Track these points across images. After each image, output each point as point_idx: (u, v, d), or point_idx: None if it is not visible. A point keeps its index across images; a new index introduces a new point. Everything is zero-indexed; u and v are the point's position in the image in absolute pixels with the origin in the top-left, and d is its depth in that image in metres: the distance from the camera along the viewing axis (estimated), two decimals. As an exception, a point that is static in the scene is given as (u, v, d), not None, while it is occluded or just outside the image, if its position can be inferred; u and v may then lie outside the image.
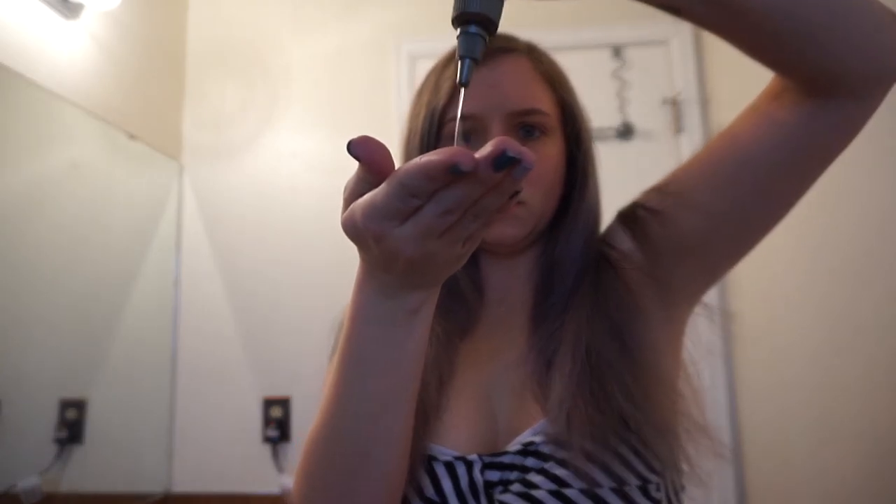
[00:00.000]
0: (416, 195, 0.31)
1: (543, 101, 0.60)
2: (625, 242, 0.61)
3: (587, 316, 0.57)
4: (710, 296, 0.60)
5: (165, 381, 1.77)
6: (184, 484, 1.74)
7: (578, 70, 1.93)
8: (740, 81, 1.63)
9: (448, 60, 0.63)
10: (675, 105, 1.79)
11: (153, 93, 1.81)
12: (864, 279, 1.04)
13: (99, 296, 1.56)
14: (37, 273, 1.36)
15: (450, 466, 0.53)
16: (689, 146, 1.78)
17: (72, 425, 1.41)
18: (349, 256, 0.46)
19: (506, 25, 0.76)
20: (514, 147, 0.29)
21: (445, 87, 0.60)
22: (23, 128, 1.35)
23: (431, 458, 0.54)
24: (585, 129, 0.64)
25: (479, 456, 0.53)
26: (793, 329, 1.28)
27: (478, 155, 0.29)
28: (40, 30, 1.37)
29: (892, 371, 0.97)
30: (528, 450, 0.52)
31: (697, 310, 0.62)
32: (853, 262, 1.08)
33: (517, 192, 0.32)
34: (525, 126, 0.59)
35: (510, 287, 0.65)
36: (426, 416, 0.55)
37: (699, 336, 0.62)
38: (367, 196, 0.33)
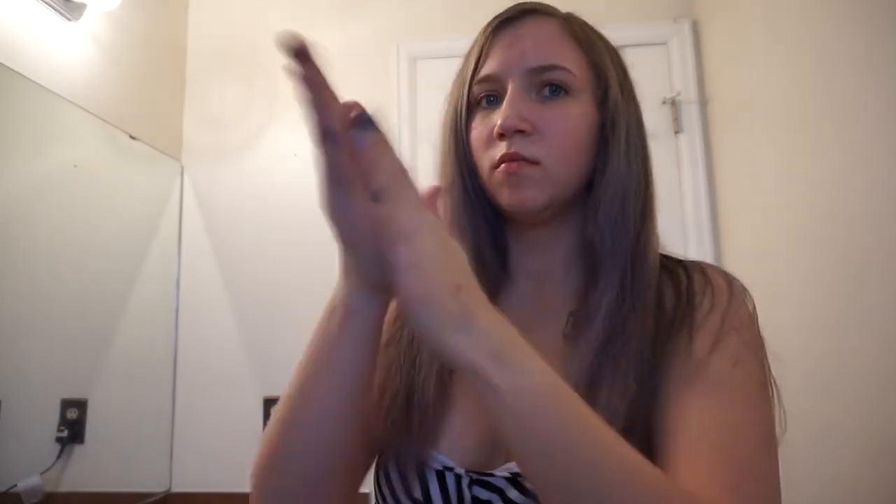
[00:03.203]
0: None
1: (567, 60, 0.57)
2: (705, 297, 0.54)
3: (637, 351, 0.51)
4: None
5: (166, 380, 1.78)
6: (184, 484, 1.74)
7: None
8: (740, 82, 1.64)
9: (484, 28, 0.61)
10: (674, 105, 1.80)
11: (154, 93, 1.81)
12: (865, 278, 1.05)
13: (100, 295, 1.56)
14: (38, 273, 1.37)
15: (440, 476, 0.52)
16: (688, 146, 1.78)
17: (73, 425, 1.41)
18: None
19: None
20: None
21: (474, 52, 0.60)
22: (25, 128, 1.36)
23: (424, 464, 0.53)
24: (616, 98, 0.59)
25: (467, 472, 0.51)
26: (792, 329, 1.28)
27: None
28: (42, 31, 1.37)
29: (893, 370, 0.97)
30: (516, 479, 0.49)
31: None
32: (853, 261, 1.08)
33: None
34: (544, 83, 0.56)
35: (542, 268, 0.60)
36: (422, 416, 0.54)
37: None
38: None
